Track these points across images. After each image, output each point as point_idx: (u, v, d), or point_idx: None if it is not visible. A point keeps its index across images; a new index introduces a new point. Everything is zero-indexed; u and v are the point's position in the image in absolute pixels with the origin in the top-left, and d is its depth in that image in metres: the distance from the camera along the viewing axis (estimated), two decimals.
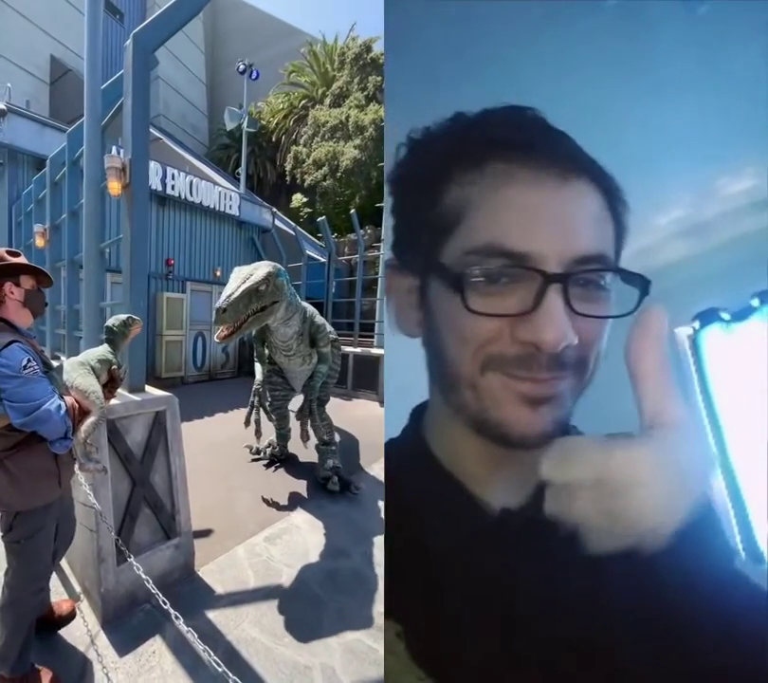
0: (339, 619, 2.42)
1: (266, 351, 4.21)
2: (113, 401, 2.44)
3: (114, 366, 2.12)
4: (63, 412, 1.69)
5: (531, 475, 0.91)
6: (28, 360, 1.64)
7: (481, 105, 0.90)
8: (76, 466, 1.94)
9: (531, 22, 1.10)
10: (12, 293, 1.77)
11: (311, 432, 3.83)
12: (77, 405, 1.85)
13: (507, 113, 0.90)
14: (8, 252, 1.81)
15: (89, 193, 3.24)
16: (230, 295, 2.67)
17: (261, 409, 4.15)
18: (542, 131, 0.90)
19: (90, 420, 1.86)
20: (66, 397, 1.82)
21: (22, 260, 1.82)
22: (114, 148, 5.60)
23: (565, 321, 0.81)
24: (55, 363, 2.05)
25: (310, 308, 3.83)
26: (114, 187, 2.86)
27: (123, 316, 2.26)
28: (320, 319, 3.87)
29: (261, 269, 2.88)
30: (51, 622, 2.25)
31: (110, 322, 2.23)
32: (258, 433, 4.27)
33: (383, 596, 0.95)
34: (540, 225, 0.83)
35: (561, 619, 0.85)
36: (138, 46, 2.86)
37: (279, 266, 3.04)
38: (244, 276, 2.81)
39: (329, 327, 4.11)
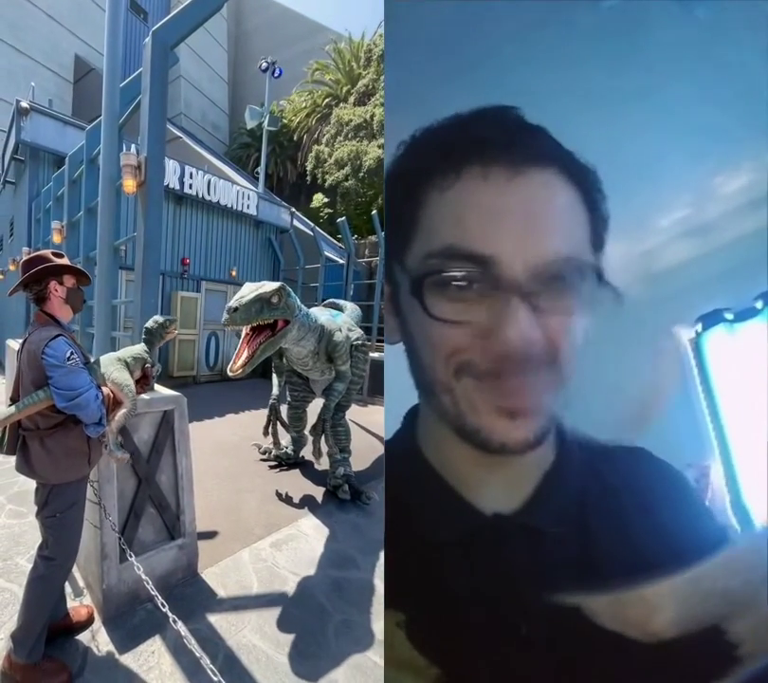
0: (345, 632, 2.36)
1: (284, 362, 4.21)
2: None
3: (148, 365, 2.31)
4: (99, 400, 1.90)
5: (522, 481, 0.95)
6: (72, 353, 1.84)
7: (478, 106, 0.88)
8: (105, 451, 2.15)
9: (528, 22, 1.09)
10: (56, 291, 1.96)
11: (324, 449, 3.83)
12: (112, 396, 2.07)
13: (480, 113, 0.87)
14: (53, 254, 2.00)
15: (104, 191, 3.25)
16: (242, 297, 2.73)
17: (278, 422, 4.27)
18: (504, 125, 0.86)
19: (122, 411, 2.10)
20: (103, 388, 2.03)
21: (65, 261, 2.01)
22: (133, 146, 5.64)
23: (530, 327, 0.80)
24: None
25: (331, 325, 3.71)
26: (129, 185, 2.87)
27: (161, 318, 2.44)
28: (339, 336, 3.70)
29: (272, 283, 2.91)
30: (68, 629, 2.24)
31: (148, 323, 2.40)
32: (277, 443, 4.44)
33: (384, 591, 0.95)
34: (501, 225, 0.80)
35: (557, 613, 0.85)
36: (157, 42, 2.85)
37: (288, 288, 3.06)
38: (256, 286, 2.84)
39: (355, 335, 4.03)
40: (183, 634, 1.65)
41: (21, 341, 1.94)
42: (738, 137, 1.18)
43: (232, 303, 2.68)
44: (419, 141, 0.90)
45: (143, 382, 2.30)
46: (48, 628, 2.04)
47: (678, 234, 1.35)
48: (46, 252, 2.00)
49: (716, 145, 1.21)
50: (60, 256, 2.01)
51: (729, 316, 1.51)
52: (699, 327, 1.56)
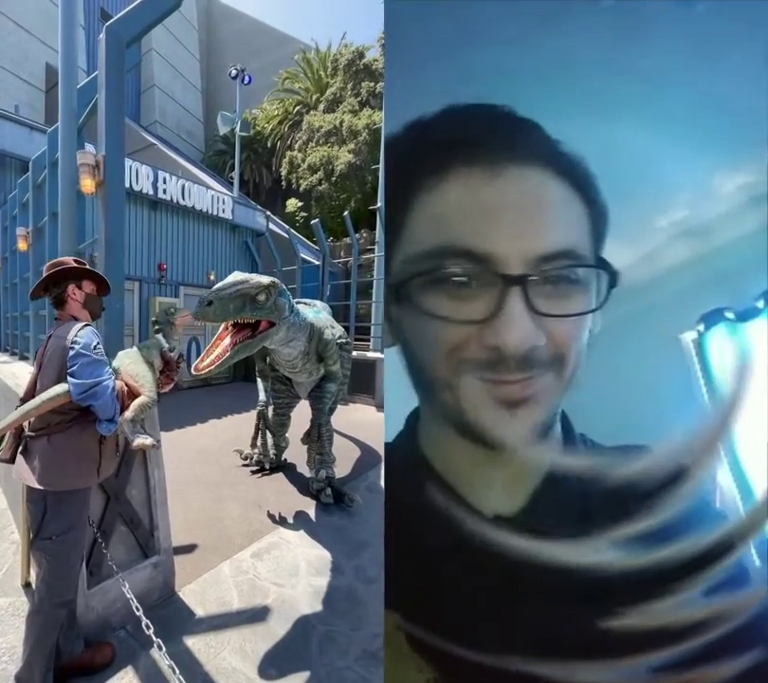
0: (329, 646, 2.23)
1: (267, 365, 4.05)
2: None
3: (164, 348, 2.22)
4: (114, 393, 1.85)
5: (522, 482, 0.95)
6: (98, 343, 1.86)
7: None
8: (133, 443, 1.95)
9: (527, 22, 1.06)
10: (74, 294, 1.97)
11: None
12: (126, 389, 2.00)
13: (463, 110, 0.85)
14: (75, 261, 2.02)
15: (65, 193, 3.13)
16: (222, 289, 2.37)
17: (268, 430, 4.28)
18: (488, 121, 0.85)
19: (138, 401, 1.97)
20: (117, 381, 1.96)
21: (86, 267, 2.04)
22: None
23: (527, 322, 0.80)
24: None
25: (319, 322, 3.43)
26: (87, 184, 2.74)
27: (165, 306, 2.40)
28: (328, 333, 3.47)
29: (264, 277, 2.54)
30: (85, 667, 2.01)
31: (153, 317, 2.36)
32: (266, 454, 4.52)
33: (383, 595, 0.95)
34: (495, 222, 0.80)
35: (558, 614, 0.85)
36: (112, 37, 2.73)
37: (282, 285, 2.70)
38: (243, 278, 2.49)
39: (338, 332, 3.86)
40: (167, 663, 1.54)
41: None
42: (737, 136, 1.16)
43: (209, 294, 2.34)
44: (408, 147, 0.89)
45: (168, 370, 2.21)
46: (61, 668, 1.90)
47: (678, 235, 1.32)
48: (68, 258, 2.03)
49: (715, 145, 1.18)
50: (81, 263, 2.03)
51: (730, 315, 1.49)
52: (701, 327, 1.53)
